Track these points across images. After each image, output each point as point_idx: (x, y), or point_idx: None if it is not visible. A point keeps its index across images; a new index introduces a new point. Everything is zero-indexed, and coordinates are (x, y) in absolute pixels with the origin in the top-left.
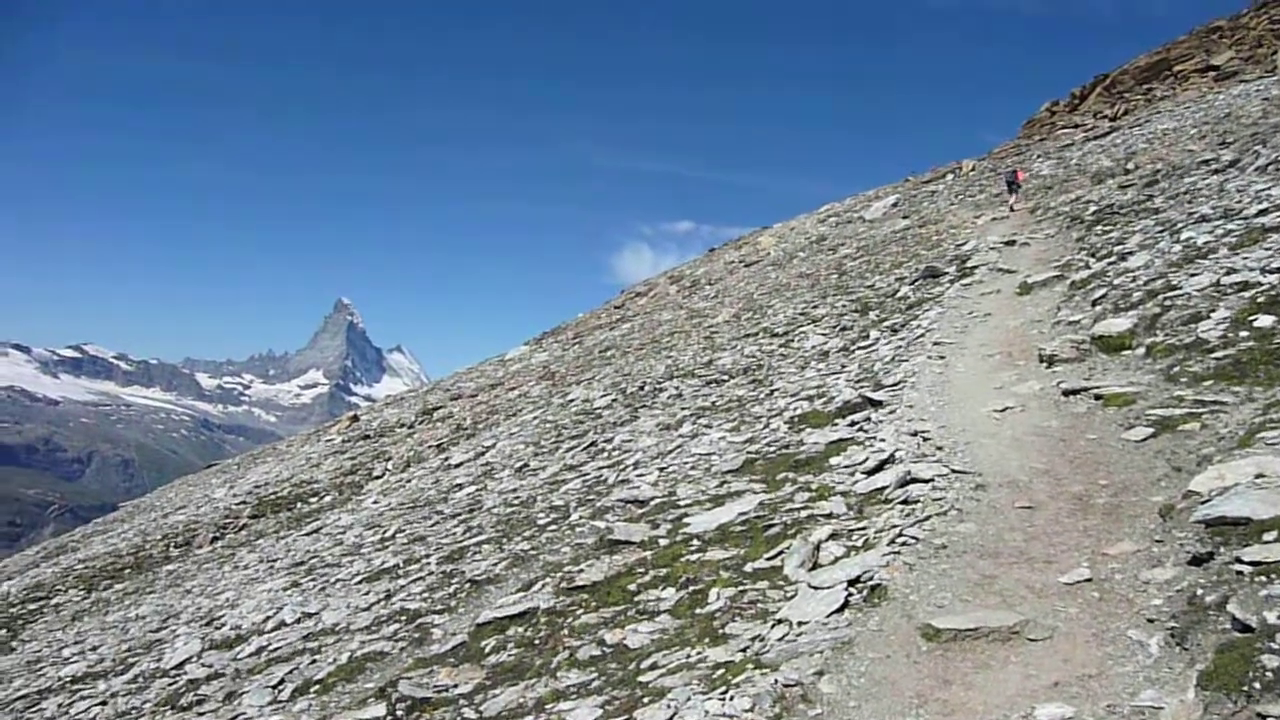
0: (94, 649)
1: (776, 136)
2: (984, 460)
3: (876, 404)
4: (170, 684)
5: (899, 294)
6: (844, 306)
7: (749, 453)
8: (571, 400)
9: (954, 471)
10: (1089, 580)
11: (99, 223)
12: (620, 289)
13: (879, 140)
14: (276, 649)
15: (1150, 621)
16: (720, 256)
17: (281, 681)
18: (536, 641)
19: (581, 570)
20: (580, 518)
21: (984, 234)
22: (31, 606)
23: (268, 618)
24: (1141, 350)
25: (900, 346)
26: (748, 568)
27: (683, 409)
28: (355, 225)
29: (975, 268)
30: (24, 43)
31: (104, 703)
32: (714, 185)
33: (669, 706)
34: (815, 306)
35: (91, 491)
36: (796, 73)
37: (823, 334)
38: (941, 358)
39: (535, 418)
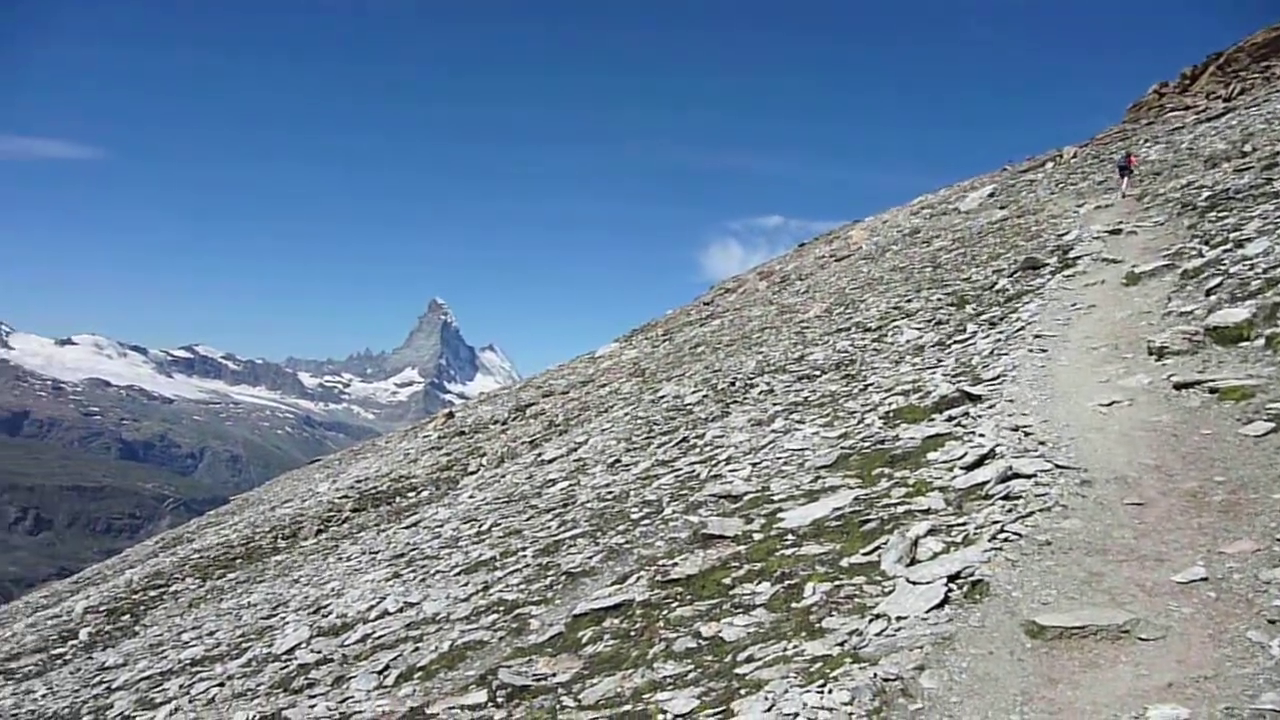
0: (210, 634)
1: (867, 130)
2: (1090, 456)
3: (975, 399)
4: (282, 668)
5: (997, 286)
6: (939, 300)
7: (843, 448)
8: (662, 396)
9: (1058, 467)
10: (1204, 579)
11: (205, 226)
12: (709, 285)
13: (973, 132)
14: (381, 637)
15: (1271, 623)
16: (810, 251)
17: (387, 668)
18: (632, 633)
19: (676, 564)
20: (673, 512)
21: (1087, 223)
22: (152, 593)
23: (371, 607)
24: (1261, 341)
25: (999, 340)
26: (844, 563)
27: (774, 404)
28: (449, 226)
29: (1078, 258)
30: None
31: (221, 684)
32: (803, 179)
33: (766, 699)
34: (909, 300)
35: (204, 485)
36: (888, 66)
37: (917, 328)
38: (1043, 351)
39: (626, 414)
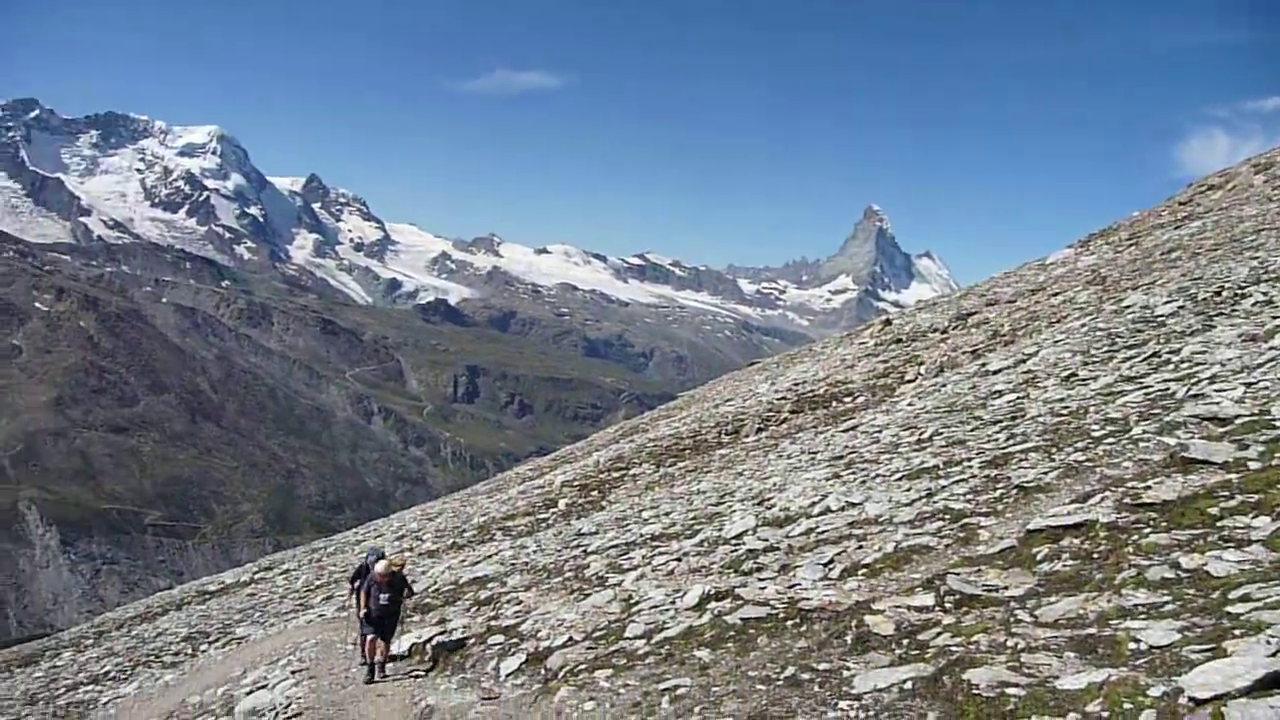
0: (666, 514)
1: None
2: None
3: None
4: (731, 551)
5: None
6: None
7: None
8: (1127, 307)
9: None
10: None
11: (650, 134)
12: (1186, 182)
13: None
14: (824, 532)
15: None
16: None
17: (831, 561)
18: (1095, 555)
19: (1149, 487)
20: (1144, 432)
21: None
22: (615, 474)
23: (813, 503)
24: None
25: None
26: None
27: (1273, 317)
28: (885, 130)
29: None
30: None
31: (678, 559)
32: None
33: (1269, 642)
34: None
35: (653, 382)
36: None
37: None
38: None
39: (1084, 325)
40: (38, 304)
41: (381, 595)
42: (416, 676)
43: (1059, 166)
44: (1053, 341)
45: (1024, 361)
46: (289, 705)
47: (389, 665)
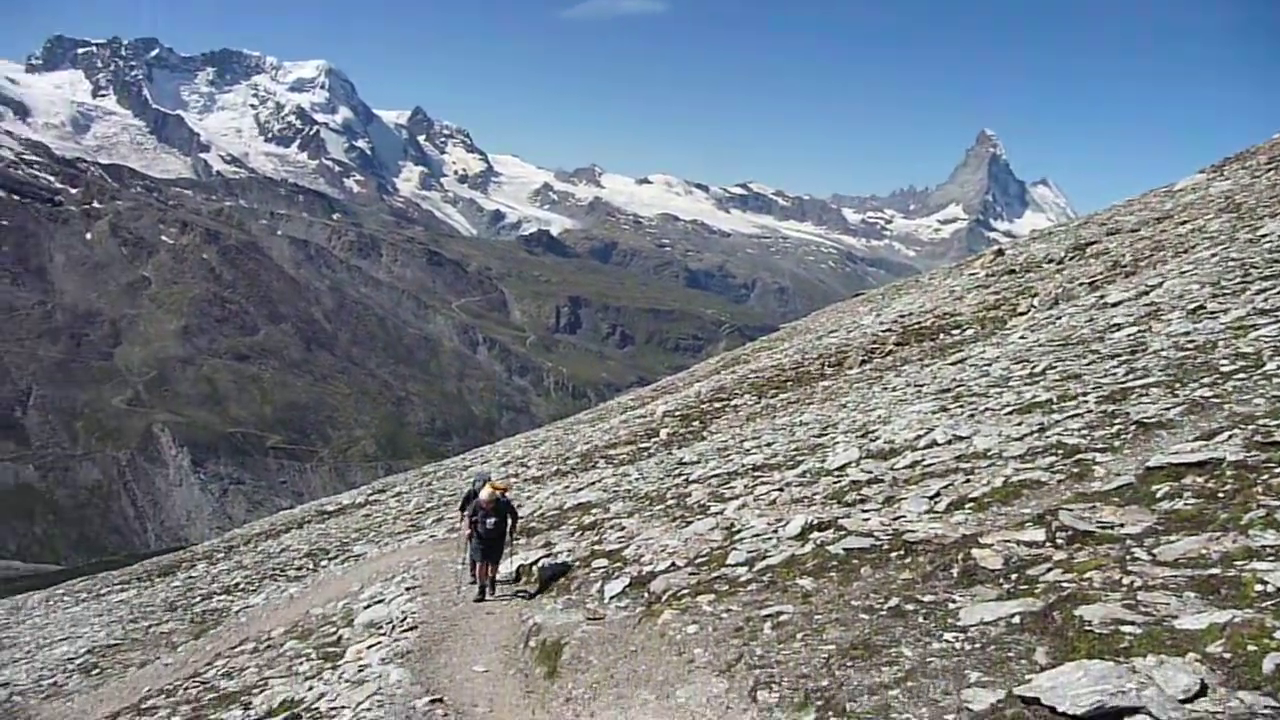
0: (768, 444)
1: None
2: None
3: None
4: (834, 482)
5: None
6: None
7: None
8: (1264, 236)
9: None
10: None
11: (754, 59)
12: None
13: None
14: (930, 465)
15: None
16: None
17: (937, 494)
18: (1220, 494)
19: None
20: (1279, 368)
21: None
22: (717, 405)
23: (919, 436)
24: None
25: None
26: None
27: None
28: (999, 53)
29: None
30: None
31: (780, 489)
32: None
33: None
34: None
35: (754, 313)
36: None
37: None
38: None
39: (1214, 255)
40: (164, 237)
41: (487, 520)
42: (524, 597)
43: (1191, 86)
44: (1179, 272)
45: (1146, 293)
46: (405, 619)
47: (497, 586)
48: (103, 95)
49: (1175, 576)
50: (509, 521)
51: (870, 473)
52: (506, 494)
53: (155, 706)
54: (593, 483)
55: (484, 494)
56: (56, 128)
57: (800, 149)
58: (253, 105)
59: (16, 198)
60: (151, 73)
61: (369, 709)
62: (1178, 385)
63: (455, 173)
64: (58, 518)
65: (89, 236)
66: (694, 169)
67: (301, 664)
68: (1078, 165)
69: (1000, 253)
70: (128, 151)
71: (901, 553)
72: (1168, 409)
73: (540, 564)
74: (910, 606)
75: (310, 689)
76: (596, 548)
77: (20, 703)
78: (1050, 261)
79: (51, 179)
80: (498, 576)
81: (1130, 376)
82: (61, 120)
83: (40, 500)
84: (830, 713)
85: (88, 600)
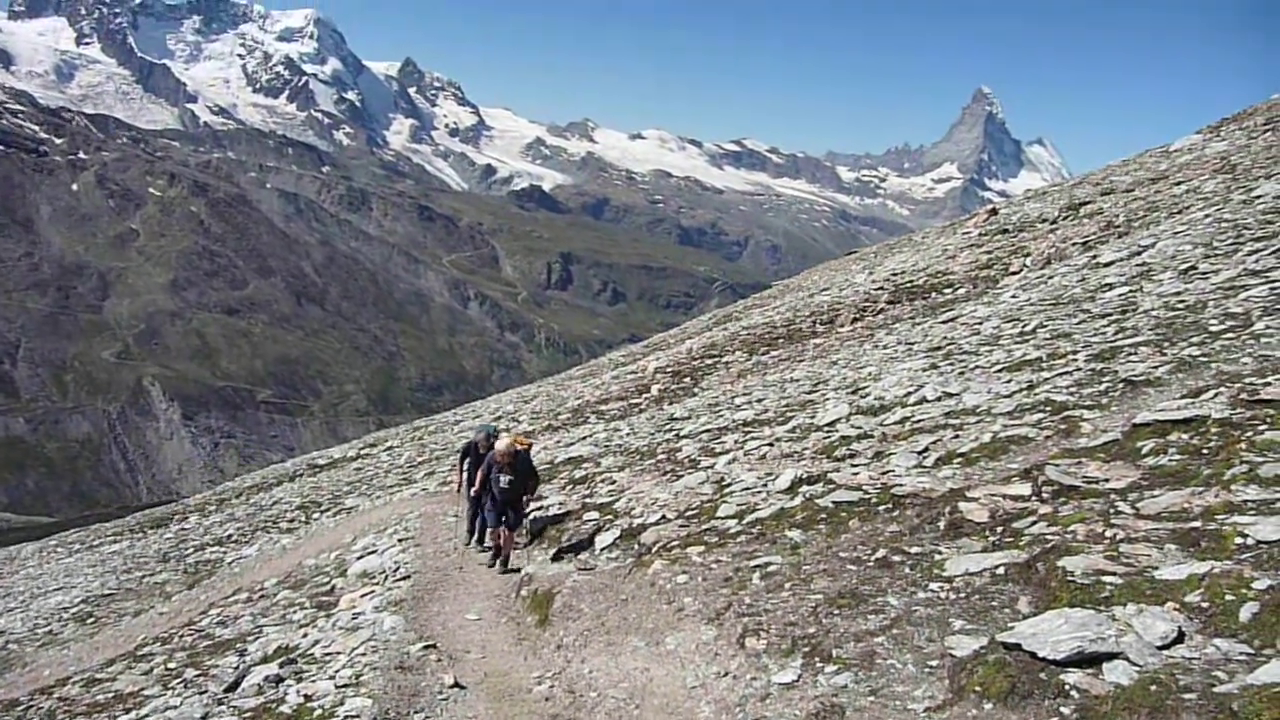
0: (759, 400)
1: None
2: None
3: None
4: (824, 438)
5: None
6: None
7: None
8: (1258, 196)
9: None
10: None
11: (749, 13)
12: None
13: None
14: (919, 420)
15: None
16: None
17: (926, 449)
18: (1205, 451)
19: (1269, 384)
20: (1267, 328)
21: None
22: (708, 361)
23: (909, 393)
24: None
25: None
26: None
27: None
28: (999, 7)
29: None
30: None
31: (770, 444)
32: None
33: None
34: None
35: (747, 271)
36: None
37: None
38: None
39: (1208, 215)
40: (152, 189)
41: (502, 477)
42: (515, 548)
43: (1190, 45)
44: (1172, 233)
45: (1139, 254)
46: (397, 569)
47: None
48: (87, 43)
49: (1157, 529)
50: (527, 480)
51: (860, 428)
52: (528, 449)
53: (151, 653)
54: (584, 437)
55: (499, 445)
56: (40, 76)
57: (796, 106)
58: (240, 55)
59: (1, 147)
60: (136, 20)
61: (363, 654)
62: (1167, 344)
63: (446, 126)
64: (49, 470)
65: (75, 188)
66: (688, 125)
67: (295, 612)
68: (1076, 124)
69: (994, 212)
70: (113, 101)
71: (889, 506)
72: (1156, 367)
73: (532, 516)
74: (897, 558)
75: (305, 636)
76: (587, 500)
77: (17, 650)
78: (1044, 221)
79: (36, 128)
80: (517, 544)
81: (1120, 335)
82: (45, 69)
83: (31, 453)
84: (816, 658)
85: (81, 551)
